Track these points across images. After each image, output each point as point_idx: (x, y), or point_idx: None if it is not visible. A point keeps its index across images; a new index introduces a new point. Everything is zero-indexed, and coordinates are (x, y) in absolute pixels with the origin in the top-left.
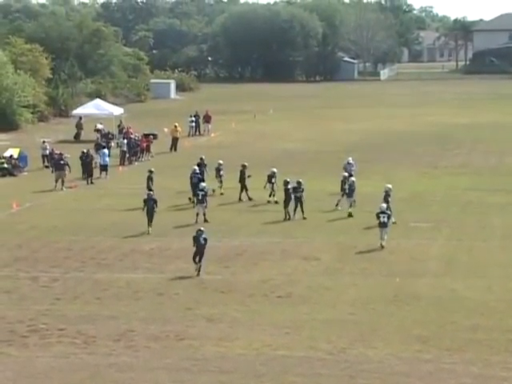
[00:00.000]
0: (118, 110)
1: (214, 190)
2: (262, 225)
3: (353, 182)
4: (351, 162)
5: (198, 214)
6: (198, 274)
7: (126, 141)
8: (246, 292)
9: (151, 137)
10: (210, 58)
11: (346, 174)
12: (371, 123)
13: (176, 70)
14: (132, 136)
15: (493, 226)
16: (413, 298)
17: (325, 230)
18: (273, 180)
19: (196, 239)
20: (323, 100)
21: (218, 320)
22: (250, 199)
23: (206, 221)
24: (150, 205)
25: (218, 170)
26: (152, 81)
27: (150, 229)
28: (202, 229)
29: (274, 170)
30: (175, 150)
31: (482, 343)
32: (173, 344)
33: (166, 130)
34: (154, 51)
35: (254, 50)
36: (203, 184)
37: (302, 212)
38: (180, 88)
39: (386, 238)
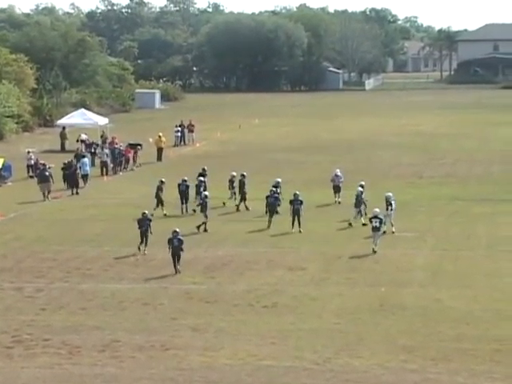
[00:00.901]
0: (102, 120)
1: (224, 203)
2: (248, 234)
3: (361, 192)
4: (339, 174)
5: (205, 224)
6: (176, 272)
7: (107, 151)
8: (231, 302)
9: (139, 147)
10: (195, 68)
11: (361, 189)
12: (357, 133)
13: (161, 80)
14: (116, 146)
15: (478, 235)
16: (398, 308)
17: (310, 240)
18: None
19: (170, 241)
20: (308, 110)
21: (204, 330)
22: (246, 209)
23: (205, 230)
24: (144, 225)
25: (231, 181)
26: (137, 91)
27: (145, 249)
28: (177, 230)
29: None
30: (160, 160)
31: (468, 353)
32: (158, 354)
33: (150, 140)
34: (139, 61)
35: (239, 59)
36: (206, 193)
37: (299, 225)
38: (165, 98)
39: (378, 242)
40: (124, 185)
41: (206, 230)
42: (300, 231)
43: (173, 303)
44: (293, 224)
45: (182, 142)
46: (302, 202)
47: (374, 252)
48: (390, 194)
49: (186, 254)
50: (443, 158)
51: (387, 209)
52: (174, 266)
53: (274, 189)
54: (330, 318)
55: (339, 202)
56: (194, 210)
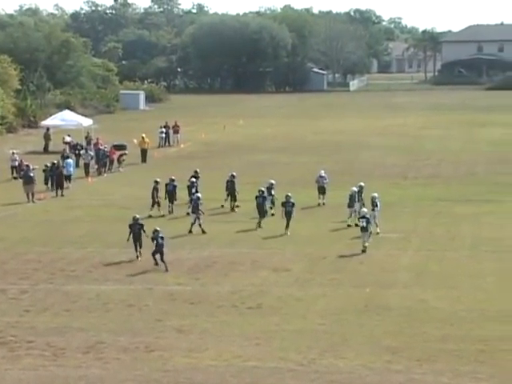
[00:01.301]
0: (87, 121)
1: (222, 206)
2: (233, 235)
3: (355, 192)
4: (323, 174)
5: (200, 225)
6: (156, 264)
7: (91, 152)
8: (215, 303)
9: (126, 152)
10: (179, 69)
11: (355, 189)
12: (341, 134)
13: (145, 81)
14: (101, 147)
15: (462, 236)
16: (383, 309)
17: (295, 241)
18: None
19: (155, 240)
20: (293, 111)
21: (188, 331)
22: (232, 209)
23: (203, 232)
24: (135, 230)
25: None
26: (121, 92)
27: (137, 253)
28: (157, 229)
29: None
30: (144, 161)
31: (452, 353)
32: (143, 355)
33: (135, 141)
34: (124, 62)
35: (223, 60)
36: (198, 194)
37: (287, 227)
38: (149, 99)
39: (369, 240)
40: (108, 186)
41: (203, 231)
42: (287, 233)
43: (157, 304)
44: (287, 226)
45: (167, 143)
46: (293, 205)
47: (363, 251)
48: (376, 194)
49: (170, 255)
50: (428, 158)
51: (373, 209)
52: (155, 259)
53: (262, 189)
54: (315, 318)
55: (323, 204)
56: (188, 213)
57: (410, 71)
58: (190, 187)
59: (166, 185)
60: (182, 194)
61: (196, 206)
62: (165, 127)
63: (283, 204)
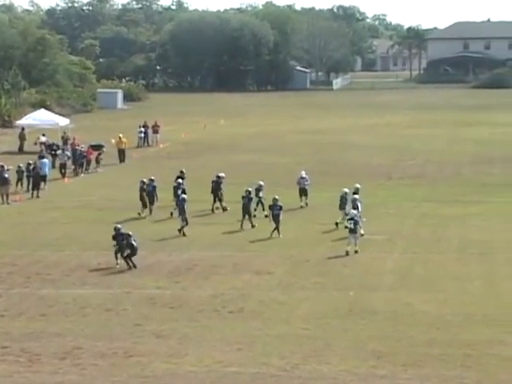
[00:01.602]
0: (63, 121)
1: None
2: (214, 237)
3: (345, 193)
4: (304, 175)
5: (182, 227)
6: (135, 267)
7: (68, 153)
8: (196, 307)
9: (103, 149)
10: (158, 67)
11: (346, 190)
12: (325, 134)
13: (123, 80)
14: (77, 147)
15: (448, 238)
16: (368, 313)
17: (277, 243)
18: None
19: (125, 239)
20: (275, 110)
21: (168, 336)
22: (217, 209)
23: (184, 235)
24: (121, 239)
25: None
26: (99, 90)
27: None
28: (130, 234)
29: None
30: (123, 161)
31: (438, 358)
32: (121, 361)
33: (113, 140)
34: (101, 60)
35: (203, 58)
36: (184, 196)
37: (278, 231)
38: (128, 98)
39: (357, 242)
40: (86, 187)
41: (184, 235)
42: (279, 237)
43: (136, 309)
44: (277, 230)
45: (146, 143)
46: (281, 208)
47: (347, 253)
48: (357, 196)
49: (150, 257)
50: (413, 158)
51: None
52: (117, 258)
53: (249, 189)
54: (298, 323)
55: (306, 204)
56: (171, 214)
57: (394, 69)
58: (176, 188)
59: (147, 185)
60: (164, 195)
61: (182, 207)
62: (144, 127)
63: (270, 207)
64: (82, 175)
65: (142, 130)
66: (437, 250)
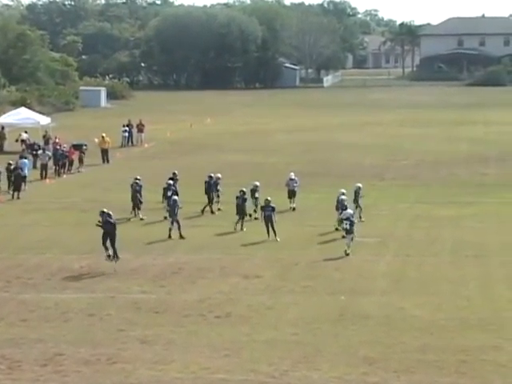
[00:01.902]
0: (44, 120)
1: (219, 209)
2: (201, 240)
3: (342, 193)
4: (293, 177)
5: (170, 230)
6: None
7: (49, 152)
8: (182, 312)
9: (84, 147)
10: (143, 64)
11: (360, 185)
12: (315, 133)
13: (107, 77)
14: (59, 147)
15: (443, 240)
16: (359, 318)
17: (266, 246)
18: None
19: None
20: (263, 108)
21: (153, 342)
22: (201, 212)
23: (169, 237)
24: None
25: (215, 184)
26: (81, 88)
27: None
28: (104, 210)
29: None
30: (107, 161)
31: (432, 364)
32: (104, 368)
33: (96, 140)
34: (84, 56)
35: (190, 55)
36: (175, 197)
37: (275, 233)
38: (111, 96)
39: (350, 244)
40: (68, 188)
41: (170, 237)
42: (277, 240)
43: (120, 314)
44: (267, 232)
45: (130, 143)
46: (273, 209)
47: (347, 254)
48: (344, 197)
49: (134, 261)
50: (406, 158)
51: (341, 213)
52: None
53: (243, 189)
54: (287, 328)
55: (294, 208)
56: (165, 217)
57: (386, 66)
58: (165, 189)
59: (132, 185)
60: (149, 197)
61: (173, 210)
62: (128, 126)
63: (262, 208)
64: (65, 176)
65: (126, 129)
66: (430, 253)
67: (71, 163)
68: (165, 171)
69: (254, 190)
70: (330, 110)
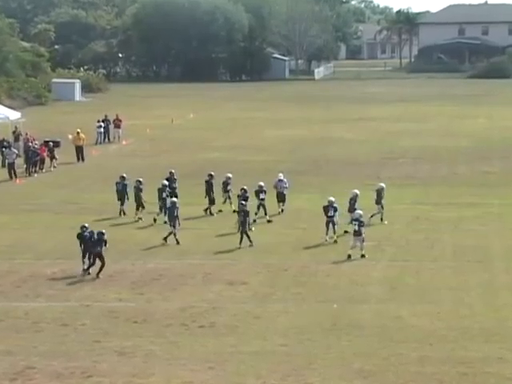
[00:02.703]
0: (14, 114)
1: (220, 210)
2: (183, 244)
3: (356, 195)
4: (282, 178)
5: (174, 234)
6: (97, 275)
7: (15, 150)
8: (163, 322)
9: (51, 143)
10: (120, 55)
11: (383, 185)
12: (305, 129)
13: (82, 69)
14: (30, 144)
15: (443, 244)
16: (353, 327)
17: (252, 250)
18: (229, 187)
19: (81, 236)
20: (250, 102)
21: (131, 354)
22: (211, 213)
23: (177, 242)
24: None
25: (225, 184)
26: (54, 80)
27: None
28: (86, 225)
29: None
30: (82, 159)
31: (431, 377)
32: (79, 382)
33: (70, 136)
34: (57, 46)
35: (171, 45)
36: (174, 199)
37: (248, 238)
38: (86, 89)
39: (363, 246)
40: (39, 188)
41: (178, 242)
42: (243, 245)
43: (96, 323)
44: (240, 239)
45: (106, 139)
46: (247, 213)
47: (363, 256)
48: (332, 198)
49: (111, 267)
50: (403, 156)
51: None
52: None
53: (245, 187)
54: (276, 338)
55: (282, 211)
56: (155, 220)
57: (382, 57)
58: (160, 190)
59: (117, 183)
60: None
61: (172, 213)
62: (104, 121)
63: (237, 212)
64: (36, 175)
65: (102, 124)
66: (430, 258)
67: (43, 161)
68: (144, 170)
69: (225, 183)
70: (321, 104)
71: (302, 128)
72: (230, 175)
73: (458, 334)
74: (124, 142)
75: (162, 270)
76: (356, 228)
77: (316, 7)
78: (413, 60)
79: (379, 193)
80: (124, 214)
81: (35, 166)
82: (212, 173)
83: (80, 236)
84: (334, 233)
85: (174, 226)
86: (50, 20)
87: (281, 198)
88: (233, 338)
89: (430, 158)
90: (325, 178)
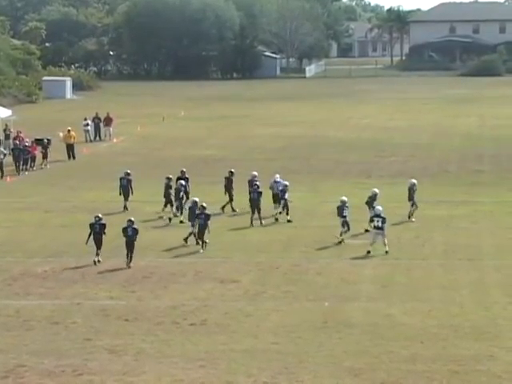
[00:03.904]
0: (4, 112)
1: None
2: (173, 242)
3: (375, 193)
4: (279, 179)
5: (195, 234)
6: (129, 266)
7: (2, 149)
8: (154, 320)
9: (45, 141)
10: (111, 53)
11: (414, 181)
12: (296, 127)
13: (73, 66)
14: (18, 142)
15: (433, 242)
16: (344, 325)
17: (244, 248)
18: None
19: (125, 230)
20: (241, 100)
21: (122, 352)
22: (233, 210)
23: (204, 243)
24: (129, 234)
25: (251, 182)
26: (45, 78)
27: (130, 262)
28: (131, 219)
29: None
30: (73, 157)
31: (422, 375)
32: (70, 380)
33: (61, 134)
34: (47, 44)
35: (161, 43)
36: (195, 199)
37: (203, 243)
38: (77, 87)
39: (386, 241)
40: (30, 186)
41: (204, 243)
42: (200, 251)
43: (87, 322)
44: (200, 243)
45: (98, 137)
46: (208, 217)
47: (386, 253)
48: (345, 198)
49: (102, 264)
50: (394, 154)
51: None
52: (128, 257)
53: (257, 183)
54: (267, 337)
55: (280, 213)
56: (170, 219)
57: (373, 55)
58: (178, 190)
59: (121, 179)
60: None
61: (193, 212)
62: (96, 119)
63: (197, 215)
64: (27, 173)
65: (88, 122)
66: (421, 256)
67: (34, 159)
68: (136, 168)
69: (251, 181)
70: (312, 102)
71: (294, 126)
72: (255, 173)
73: (448, 332)
74: (115, 140)
75: (153, 268)
76: (379, 224)
77: (307, 5)
78: (404, 58)
79: (410, 189)
80: (127, 209)
81: (26, 164)
82: (232, 170)
83: (124, 230)
84: (341, 234)
85: (194, 226)
86: (41, 18)
87: (277, 199)
88: (224, 336)
89: (421, 156)
90: (316, 175)
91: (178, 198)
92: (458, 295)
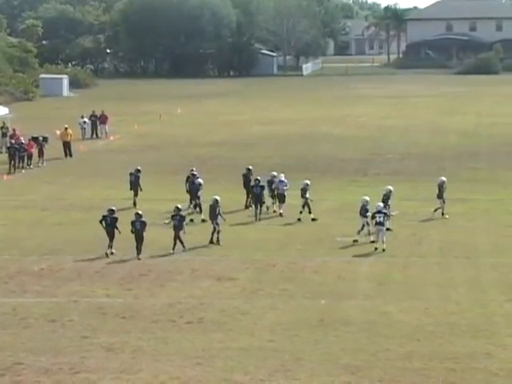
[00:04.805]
0: (1, 110)
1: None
2: (170, 240)
3: (390, 191)
4: (283, 179)
5: (218, 232)
6: (138, 258)
7: None
8: (150, 317)
9: (42, 140)
10: (108, 50)
11: (444, 179)
12: (293, 125)
13: (69, 64)
14: (13, 141)
15: (430, 240)
16: (341, 323)
17: (241, 246)
18: (273, 186)
19: (133, 224)
20: (238, 98)
21: (119, 350)
22: (246, 207)
23: (212, 242)
24: (137, 228)
25: (270, 182)
26: (41, 76)
27: (139, 254)
28: (139, 212)
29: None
30: (70, 155)
31: (419, 373)
32: (67, 378)
33: (58, 132)
34: (44, 42)
35: (158, 41)
36: (216, 197)
37: (175, 244)
38: (74, 84)
39: (384, 239)
40: (27, 184)
41: (218, 242)
42: (172, 253)
43: (83, 319)
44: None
45: (94, 135)
46: (183, 218)
47: (383, 250)
48: (367, 197)
49: (99, 262)
50: (390, 152)
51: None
52: (137, 249)
53: (258, 178)
54: (263, 334)
55: (281, 214)
56: (192, 220)
57: (370, 53)
58: (196, 189)
59: (130, 174)
60: (120, 194)
61: (214, 211)
62: (93, 117)
63: (173, 217)
64: (23, 171)
65: (86, 120)
66: (417, 254)
67: (30, 157)
68: (132, 165)
69: (271, 181)
70: (309, 100)
71: (290, 124)
72: (275, 173)
73: (445, 330)
74: (112, 138)
75: (150, 265)
76: (381, 220)
77: (304, 3)
78: (401, 56)
79: (440, 187)
80: (135, 205)
81: (22, 162)
82: (250, 167)
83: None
84: (359, 232)
85: (218, 224)
86: (38, 15)
87: (280, 199)
88: (220, 334)
89: (417, 153)
90: (312, 173)
91: (195, 197)
92: (454, 293)
